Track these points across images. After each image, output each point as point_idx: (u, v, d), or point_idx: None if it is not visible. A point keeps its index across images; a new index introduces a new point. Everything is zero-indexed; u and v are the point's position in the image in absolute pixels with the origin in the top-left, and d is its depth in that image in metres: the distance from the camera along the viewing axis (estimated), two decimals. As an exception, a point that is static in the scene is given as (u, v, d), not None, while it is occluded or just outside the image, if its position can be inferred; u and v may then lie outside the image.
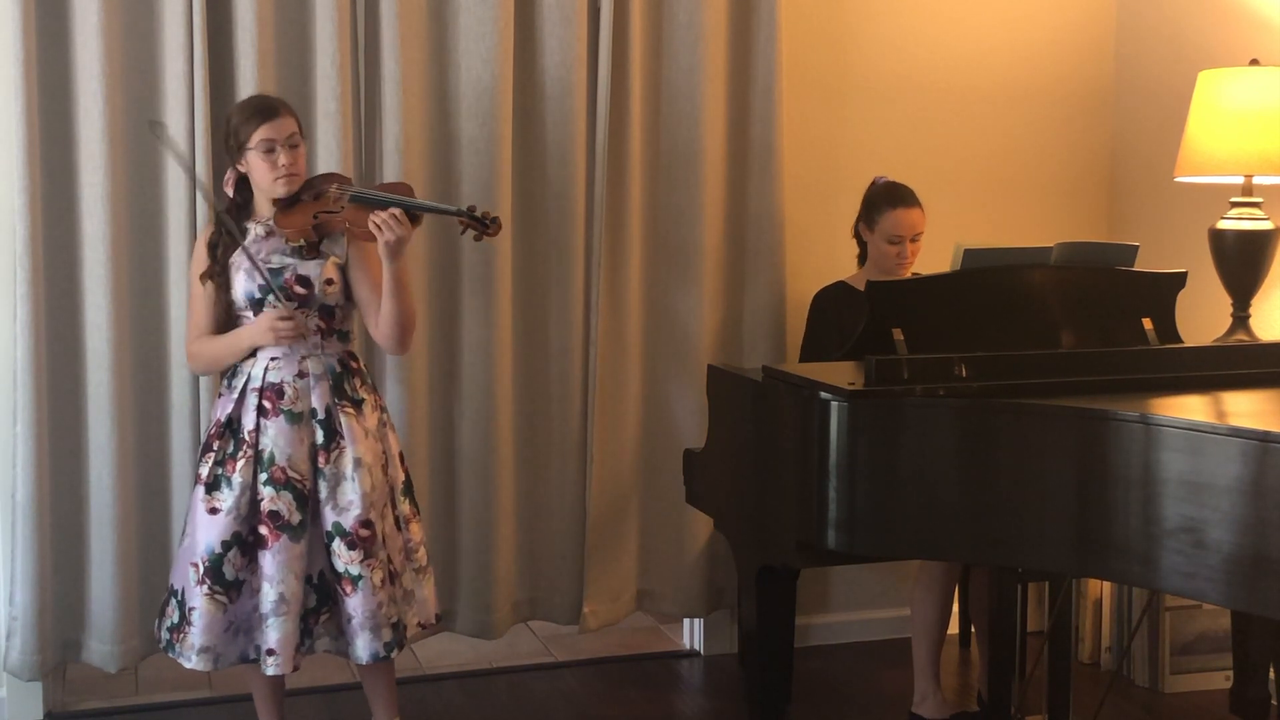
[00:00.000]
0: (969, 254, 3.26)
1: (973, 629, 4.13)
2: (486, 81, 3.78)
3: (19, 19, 3.45)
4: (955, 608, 3.97)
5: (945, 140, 4.34)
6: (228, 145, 3.25)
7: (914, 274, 3.75)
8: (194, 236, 3.58)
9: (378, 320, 3.27)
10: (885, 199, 3.75)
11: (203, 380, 3.62)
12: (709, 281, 4.05)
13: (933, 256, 3.74)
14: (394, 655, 3.30)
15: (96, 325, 3.58)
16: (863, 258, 3.88)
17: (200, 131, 3.56)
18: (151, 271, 3.65)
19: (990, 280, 3.28)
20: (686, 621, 4.38)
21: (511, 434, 3.95)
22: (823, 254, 4.12)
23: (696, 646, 4.35)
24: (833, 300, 3.83)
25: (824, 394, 2.97)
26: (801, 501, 3.04)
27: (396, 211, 3.16)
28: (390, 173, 3.70)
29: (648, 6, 3.94)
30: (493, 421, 3.88)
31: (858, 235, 3.87)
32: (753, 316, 4.11)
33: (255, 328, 3.21)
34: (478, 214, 3.26)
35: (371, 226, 3.15)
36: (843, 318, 3.74)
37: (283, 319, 3.18)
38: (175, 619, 3.23)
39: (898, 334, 3.18)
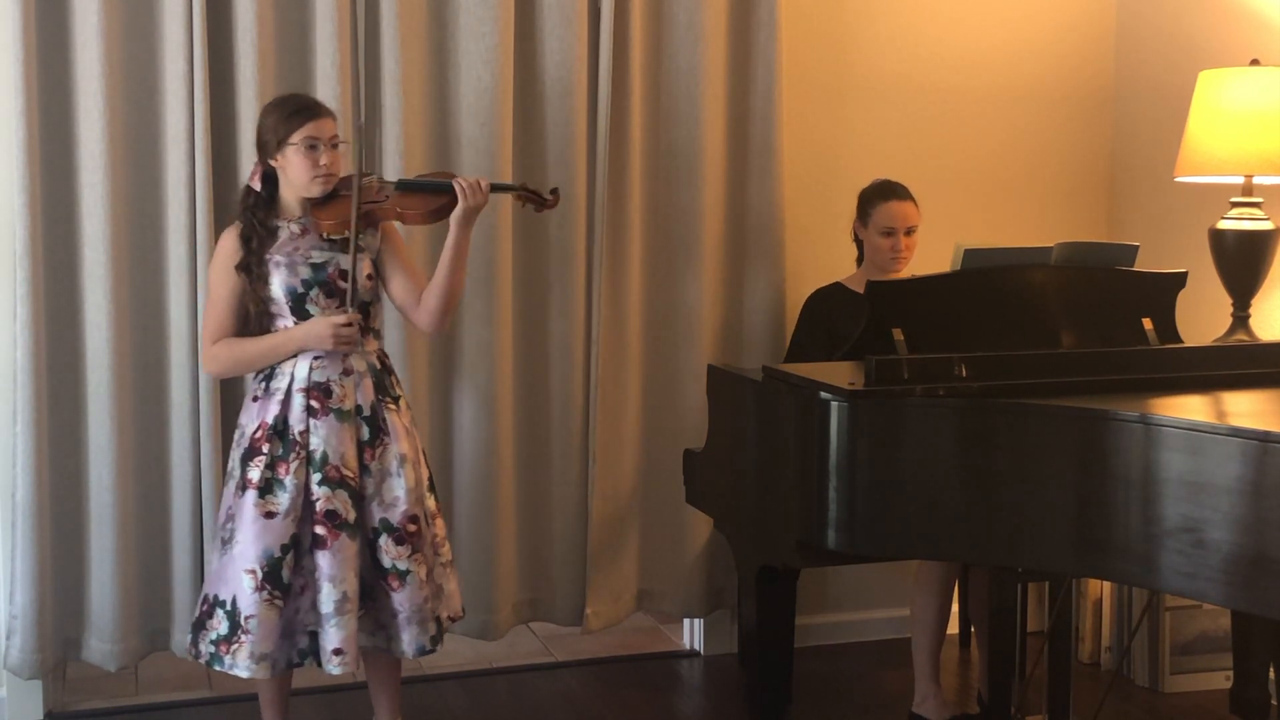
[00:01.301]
0: (969, 254, 3.26)
1: (973, 629, 4.12)
2: (486, 81, 3.78)
3: (19, 19, 3.45)
4: (955, 608, 3.97)
5: (945, 140, 4.35)
6: (262, 140, 3.23)
7: (914, 274, 3.75)
8: (194, 236, 3.58)
9: (419, 302, 3.28)
10: (878, 193, 3.77)
11: (203, 381, 3.61)
12: (709, 281, 4.05)
13: (933, 256, 3.74)
14: (438, 648, 3.30)
15: (96, 325, 3.58)
16: (861, 258, 3.89)
17: (200, 132, 3.55)
18: (151, 271, 3.65)
19: (990, 280, 3.28)
20: (686, 621, 4.38)
21: (512, 434, 3.95)
22: (823, 254, 4.13)
23: (696, 646, 4.35)
24: (826, 302, 3.84)
25: (824, 394, 2.97)
26: (801, 501, 3.04)
27: (481, 179, 3.23)
28: (390, 173, 3.69)
29: (648, 7, 3.94)
30: (494, 422, 3.89)
31: (856, 236, 3.87)
32: (753, 316, 4.11)
33: (310, 331, 3.18)
34: (531, 187, 3.35)
35: (459, 189, 3.20)
36: (835, 320, 3.74)
37: (345, 324, 3.16)
38: (224, 630, 3.16)
39: (898, 334, 3.18)
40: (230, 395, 3.68)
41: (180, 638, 3.71)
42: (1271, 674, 3.68)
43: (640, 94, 3.96)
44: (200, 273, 3.58)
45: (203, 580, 3.65)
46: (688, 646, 4.39)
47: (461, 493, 3.92)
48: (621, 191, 3.95)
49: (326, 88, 3.63)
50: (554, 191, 3.37)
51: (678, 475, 3.84)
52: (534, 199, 3.34)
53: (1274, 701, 3.72)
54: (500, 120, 3.80)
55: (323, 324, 3.17)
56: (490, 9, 3.76)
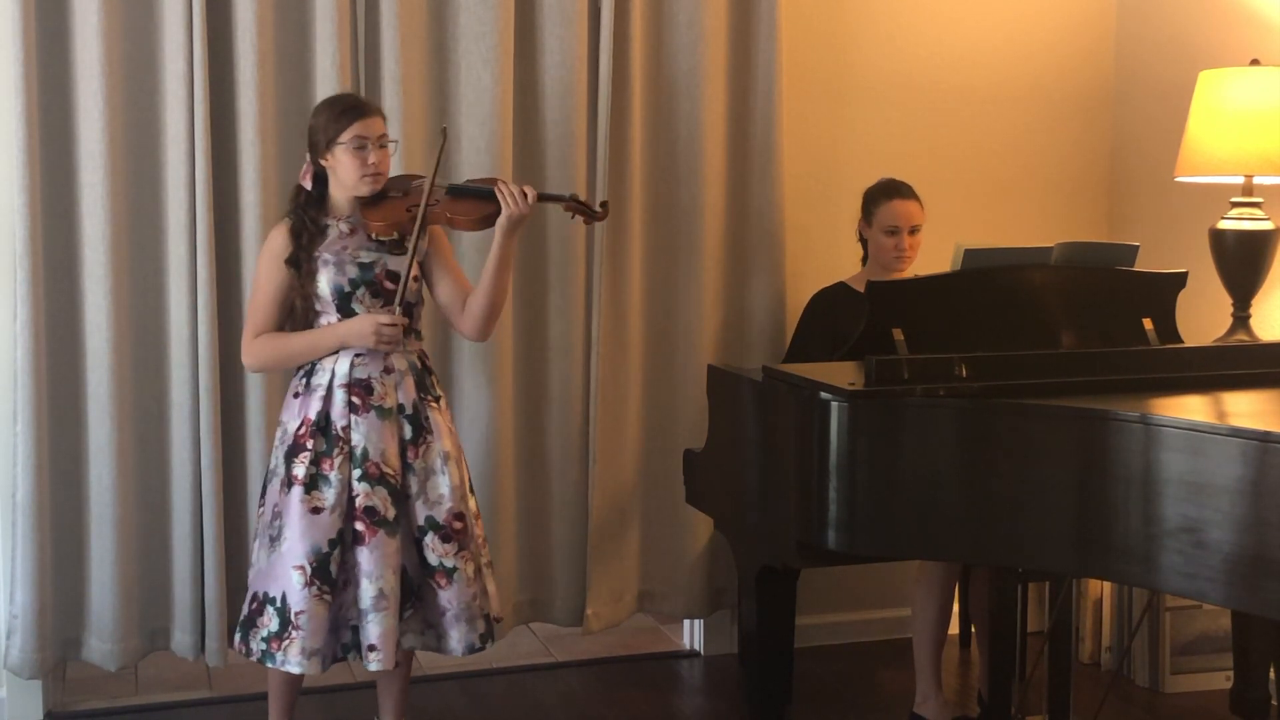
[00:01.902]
0: (969, 254, 3.26)
1: (973, 629, 4.12)
2: (486, 81, 3.78)
3: (19, 19, 3.45)
4: (955, 608, 3.96)
5: (945, 140, 4.35)
6: (312, 140, 3.23)
7: (914, 274, 3.75)
8: (194, 236, 3.58)
9: (464, 309, 3.30)
10: (882, 192, 3.77)
11: (203, 381, 3.60)
12: (709, 281, 4.05)
13: (933, 256, 3.74)
14: (489, 646, 3.31)
15: (96, 325, 3.58)
16: (866, 258, 3.89)
17: (200, 132, 3.55)
18: (151, 271, 3.65)
19: (990, 280, 3.28)
20: (687, 622, 4.38)
21: (513, 435, 3.95)
22: (823, 254, 4.13)
23: (696, 647, 4.35)
24: (829, 303, 3.83)
25: (824, 394, 2.97)
26: (802, 501, 3.04)
27: (527, 188, 3.24)
28: (389, 172, 3.68)
29: (648, 7, 3.94)
30: (494, 422, 3.89)
31: (861, 235, 3.87)
32: (753, 316, 4.11)
33: (353, 328, 3.19)
34: (582, 199, 3.37)
35: (503, 197, 3.20)
36: (839, 321, 3.74)
37: (390, 324, 3.17)
38: (275, 626, 3.16)
39: (898, 334, 3.17)
40: (231, 395, 3.68)
41: (181, 637, 3.71)
42: (1271, 674, 3.68)
43: (640, 94, 3.96)
44: (200, 272, 3.58)
45: (203, 578, 3.67)
46: (688, 647, 4.39)
47: (462, 493, 3.92)
48: (621, 191, 3.95)
49: (326, 88, 3.63)
50: (604, 205, 3.40)
51: (678, 475, 3.84)
52: (584, 211, 3.36)
53: (1274, 701, 3.72)
54: (500, 120, 3.80)
55: (367, 321, 3.18)
56: (490, 9, 3.76)
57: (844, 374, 3.07)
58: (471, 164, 3.79)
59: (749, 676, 3.63)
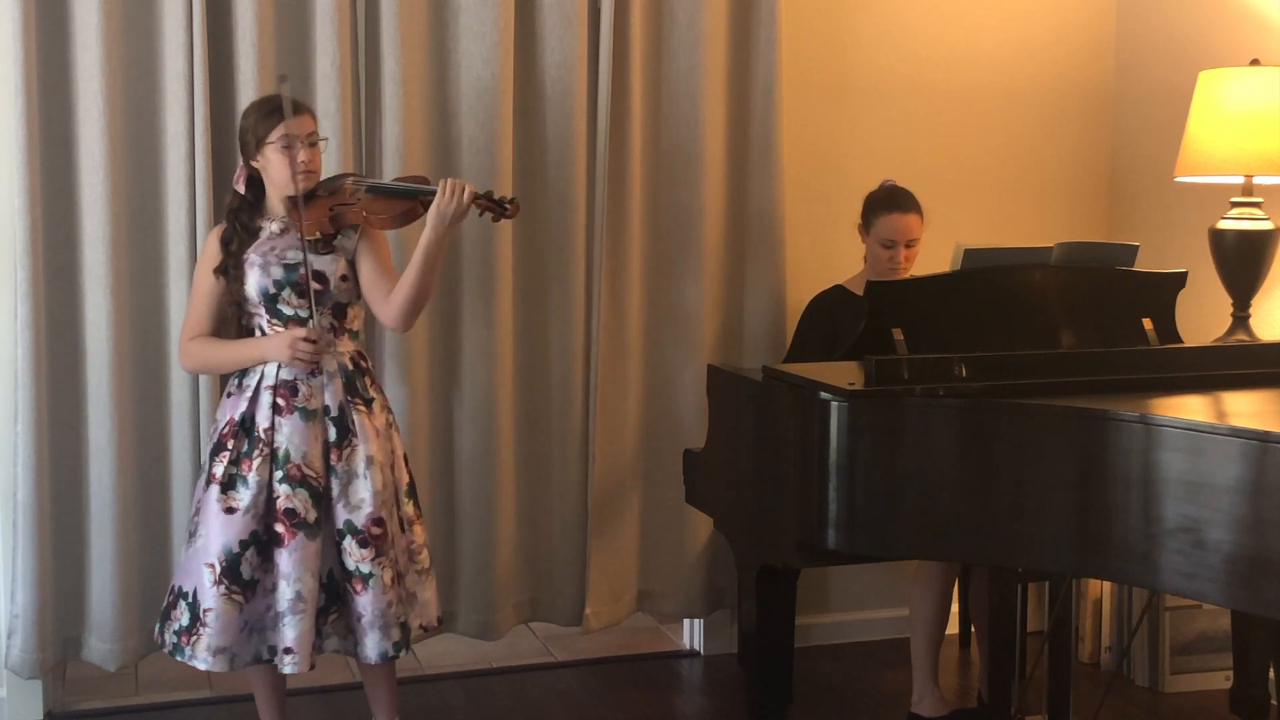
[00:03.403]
0: (969, 254, 3.26)
1: (972, 629, 4.12)
2: (486, 81, 3.78)
3: (19, 19, 3.45)
4: (955, 608, 3.97)
5: (945, 140, 4.35)
6: (243, 141, 3.24)
7: (914, 274, 3.75)
8: (194, 236, 3.58)
9: (387, 299, 3.25)
10: (882, 203, 3.76)
11: (203, 380, 3.61)
12: (709, 281, 4.05)
13: (933, 256, 3.74)
14: (402, 655, 3.30)
15: (96, 325, 3.58)
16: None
17: (200, 132, 3.55)
18: (151, 271, 3.65)
19: (990, 280, 3.28)
20: (686, 621, 4.38)
21: (512, 435, 3.95)
22: (823, 254, 4.13)
23: (696, 646, 4.35)
24: (827, 306, 3.83)
25: (824, 394, 2.97)
26: (801, 501, 3.04)
27: (468, 185, 3.18)
28: (390, 173, 3.69)
29: (648, 7, 3.94)
30: (493, 422, 3.89)
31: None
32: (753, 316, 4.11)
33: (271, 344, 3.20)
34: (495, 197, 3.27)
35: (441, 188, 3.16)
36: (837, 324, 3.74)
37: (306, 340, 3.17)
38: (185, 621, 3.19)
39: (898, 334, 3.18)
40: (230, 395, 3.68)
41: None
42: (1271, 674, 3.68)
43: (640, 94, 3.96)
44: (200, 272, 3.59)
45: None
46: (688, 646, 4.39)
47: (461, 493, 3.92)
48: (621, 191, 3.95)
49: (326, 88, 3.63)
50: (512, 200, 3.28)
51: (678, 475, 3.84)
52: (493, 208, 3.25)
53: (1274, 701, 3.72)
54: (500, 120, 3.80)
55: (283, 338, 3.19)
56: (490, 9, 3.76)
57: (844, 374, 3.07)
58: (471, 164, 3.79)
59: (749, 676, 3.64)
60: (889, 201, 3.75)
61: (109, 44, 3.52)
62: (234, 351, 3.26)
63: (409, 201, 3.24)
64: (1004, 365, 3.08)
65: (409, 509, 3.36)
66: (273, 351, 3.20)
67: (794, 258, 4.12)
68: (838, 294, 3.84)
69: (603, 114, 3.90)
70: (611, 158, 3.92)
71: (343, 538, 3.22)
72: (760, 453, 3.28)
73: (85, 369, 3.60)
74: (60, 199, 3.57)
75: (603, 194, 3.91)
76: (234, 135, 3.60)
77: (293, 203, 3.20)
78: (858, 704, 3.95)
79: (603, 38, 3.88)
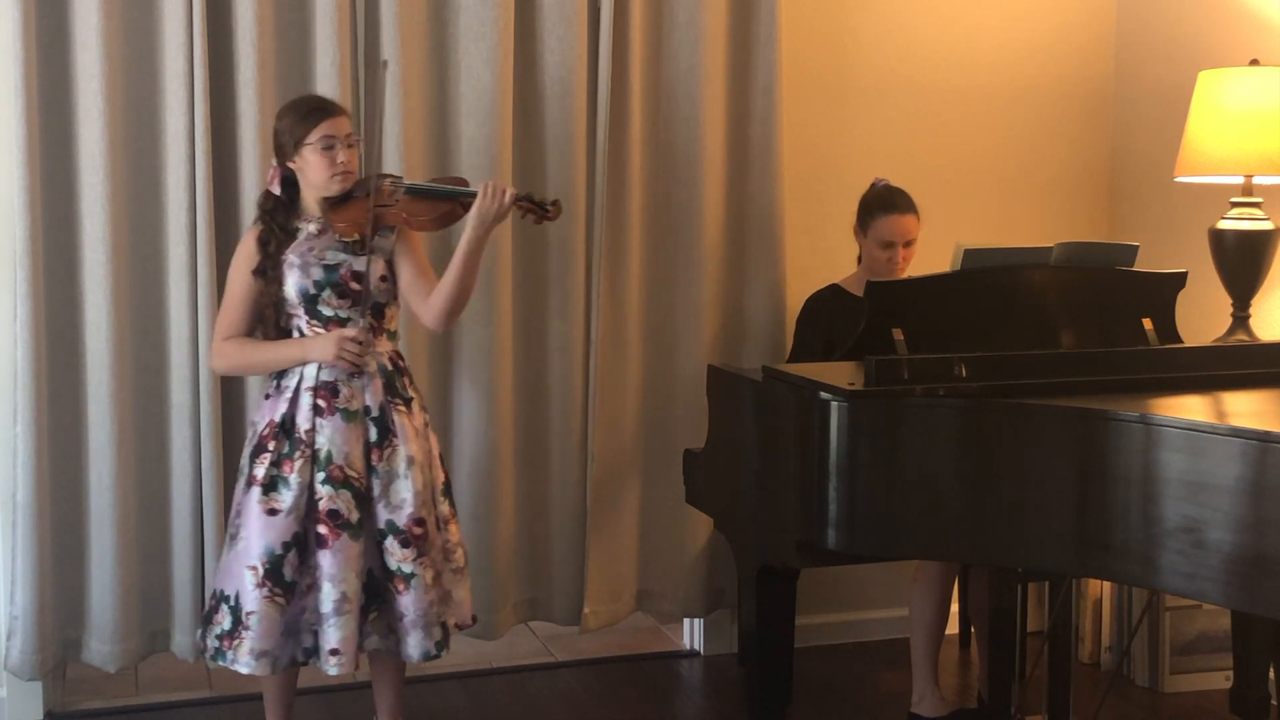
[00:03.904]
0: (969, 254, 3.26)
1: (972, 629, 4.13)
2: (486, 81, 3.78)
3: (19, 19, 3.45)
4: (955, 608, 3.96)
5: (945, 140, 4.35)
6: (279, 143, 3.23)
7: (913, 274, 3.75)
8: (194, 237, 3.58)
9: (427, 300, 3.25)
10: (879, 204, 3.76)
11: (203, 380, 3.61)
12: (709, 281, 4.05)
13: (933, 256, 3.74)
14: (444, 654, 3.30)
15: (96, 325, 3.58)
16: (862, 257, 3.89)
17: (200, 132, 3.55)
18: (151, 271, 3.65)
19: (990, 280, 3.28)
20: (686, 621, 4.38)
21: (512, 434, 3.95)
22: (823, 254, 4.12)
23: (696, 646, 4.35)
24: (823, 307, 3.83)
25: (824, 394, 2.97)
26: (801, 501, 3.04)
27: (509, 188, 3.19)
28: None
29: (648, 6, 3.94)
30: (494, 422, 3.88)
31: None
32: (753, 316, 4.11)
33: (315, 345, 3.18)
34: (536, 199, 3.27)
35: (481, 191, 3.17)
36: (833, 324, 3.74)
37: (353, 339, 3.16)
38: (227, 625, 3.18)
39: (898, 334, 3.18)
40: (231, 395, 3.68)
41: (181, 638, 3.72)
42: (1271, 674, 3.68)
43: (640, 94, 3.96)
44: (200, 272, 3.58)
45: (203, 579, 3.68)
46: (688, 646, 4.39)
47: (461, 493, 3.91)
48: (621, 191, 3.95)
49: (326, 88, 3.63)
50: (554, 203, 3.30)
51: (677, 475, 3.84)
52: (534, 210, 3.27)
53: (1274, 701, 3.72)
54: (500, 120, 3.80)
55: (330, 339, 3.17)
56: (490, 9, 3.76)
57: (844, 374, 3.07)
58: (471, 164, 3.79)
59: (749, 676, 3.64)
60: (886, 203, 3.75)
61: (109, 44, 3.52)
62: (274, 352, 3.24)
63: (449, 203, 3.25)
64: (1004, 365, 3.08)
65: (444, 508, 3.36)
66: (316, 352, 3.18)
67: (793, 257, 4.12)
68: (832, 294, 3.84)
69: (602, 114, 3.90)
70: (611, 158, 3.92)
71: (384, 538, 3.22)
72: (760, 453, 3.28)
73: (85, 369, 3.60)
74: (60, 199, 3.57)
75: (602, 194, 3.91)
76: (234, 135, 3.62)
77: (330, 204, 3.20)
78: (858, 704, 3.95)
79: (603, 38, 3.88)
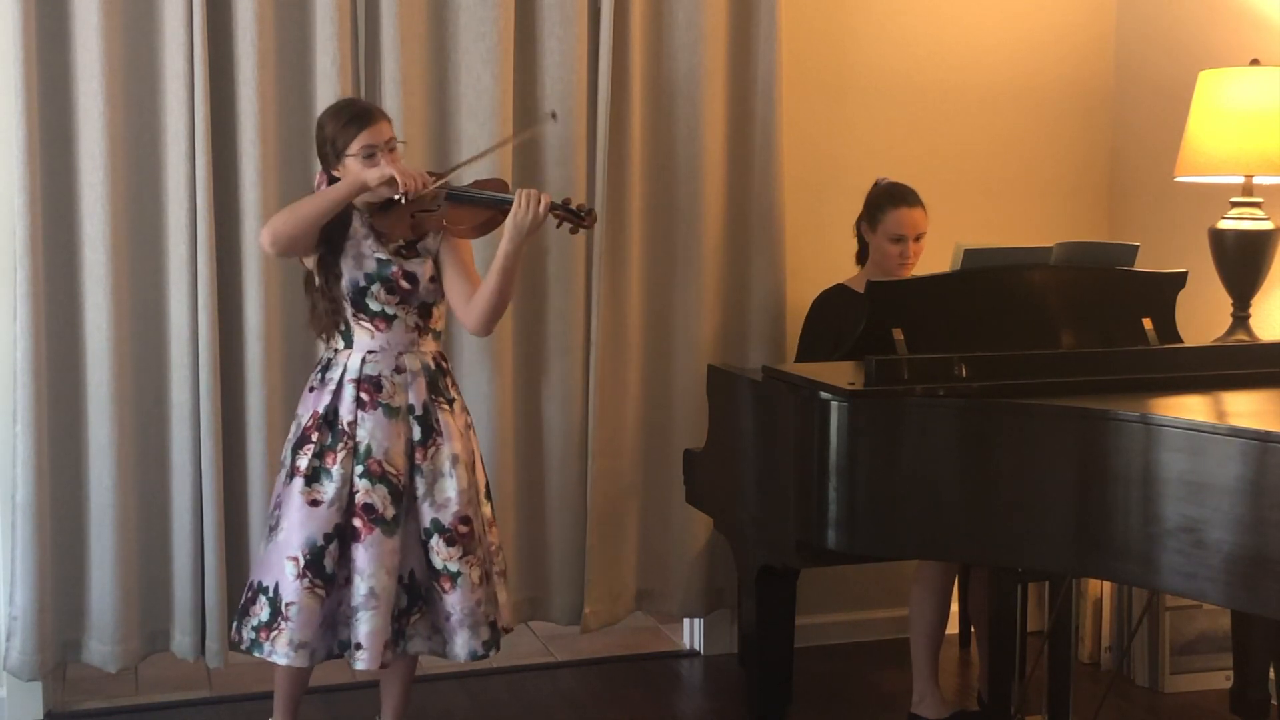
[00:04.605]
0: (969, 254, 3.26)
1: (972, 629, 4.12)
2: (486, 81, 3.78)
3: (19, 19, 3.45)
4: (955, 608, 3.96)
5: (945, 140, 4.35)
6: (322, 152, 3.23)
7: (914, 274, 3.75)
8: (194, 236, 3.58)
9: (469, 304, 3.24)
10: (888, 199, 3.75)
11: (204, 380, 3.60)
12: (709, 281, 4.05)
13: (933, 256, 3.74)
14: (492, 654, 3.29)
15: (96, 325, 3.58)
16: (862, 256, 3.89)
17: (200, 132, 3.55)
18: (152, 271, 3.65)
19: (990, 280, 3.28)
20: (686, 621, 4.38)
21: (512, 434, 3.95)
22: (823, 254, 4.12)
23: (696, 646, 4.35)
24: (831, 305, 3.82)
25: (824, 394, 2.97)
26: (801, 501, 3.04)
27: (544, 196, 3.17)
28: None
29: (648, 7, 3.94)
30: (493, 422, 3.88)
31: (860, 234, 3.87)
32: (753, 316, 4.11)
33: (372, 171, 3.11)
34: (572, 206, 3.26)
35: (517, 199, 3.16)
36: (842, 323, 3.73)
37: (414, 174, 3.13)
38: (265, 616, 3.17)
39: (898, 334, 3.18)
40: (231, 395, 3.68)
41: (181, 638, 3.71)
42: (1271, 674, 3.69)
43: (640, 94, 3.96)
44: (200, 272, 3.58)
45: (204, 579, 3.68)
46: (688, 646, 4.39)
47: (461, 493, 3.91)
48: (621, 191, 3.95)
49: (326, 88, 3.63)
50: (590, 211, 3.27)
51: (677, 474, 3.84)
52: (570, 218, 3.25)
53: (1274, 701, 3.72)
54: (500, 120, 3.80)
55: (380, 164, 3.14)
56: (490, 9, 3.76)
57: (844, 374, 3.08)
58: (471, 164, 3.78)
59: (749, 676, 3.64)
60: (895, 197, 3.75)
61: (109, 44, 3.52)
62: (325, 194, 3.16)
63: (490, 210, 3.25)
64: (1004, 365, 3.08)
65: (486, 510, 3.36)
66: (373, 174, 3.13)
67: (794, 257, 4.12)
68: (839, 293, 3.84)
69: (602, 114, 3.90)
70: (611, 158, 3.92)
71: (430, 536, 3.22)
72: (760, 453, 3.28)
73: (85, 369, 3.60)
74: (60, 199, 3.57)
75: (602, 194, 3.91)
76: (234, 135, 3.62)
77: (373, 209, 3.22)
78: (858, 704, 3.95)
79: (603, 38, 3.88)
